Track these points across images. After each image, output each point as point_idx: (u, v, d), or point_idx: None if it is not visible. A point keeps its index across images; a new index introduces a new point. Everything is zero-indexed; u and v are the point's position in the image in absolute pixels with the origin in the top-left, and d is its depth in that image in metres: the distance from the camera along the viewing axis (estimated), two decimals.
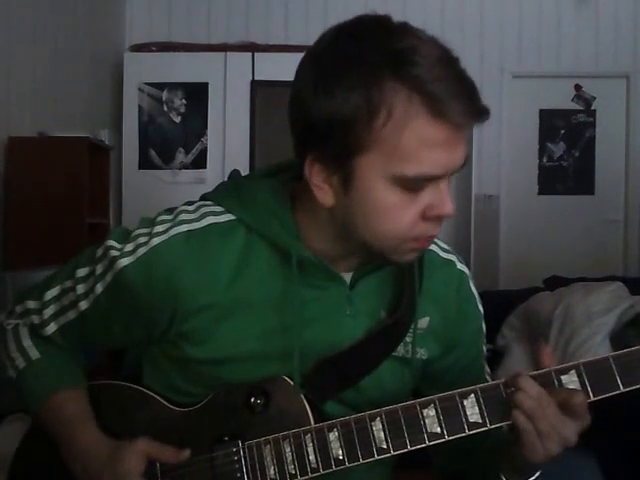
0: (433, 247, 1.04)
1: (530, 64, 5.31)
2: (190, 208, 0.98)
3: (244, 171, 1.07)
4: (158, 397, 1.01)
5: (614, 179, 5.35)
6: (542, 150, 5.42)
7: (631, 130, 5.31)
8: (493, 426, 0.89)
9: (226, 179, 1.06)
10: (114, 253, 0.95)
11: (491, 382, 0.91)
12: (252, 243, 0.95)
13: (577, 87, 5.35)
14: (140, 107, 4.87)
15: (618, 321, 2.71)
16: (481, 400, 0.89)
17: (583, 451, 1.17)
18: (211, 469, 0.96)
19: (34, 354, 1.04)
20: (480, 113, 0.83)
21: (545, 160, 5.42)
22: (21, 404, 1.06)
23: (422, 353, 1.02)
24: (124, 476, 0.94)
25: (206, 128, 4.87)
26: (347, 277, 0.98)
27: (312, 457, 0.92)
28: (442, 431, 0.90)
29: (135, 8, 5.23)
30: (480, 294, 1.10)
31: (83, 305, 0.99)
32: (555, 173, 5.41)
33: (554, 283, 3.32)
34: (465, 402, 0.89)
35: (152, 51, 4.99)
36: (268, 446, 0.94)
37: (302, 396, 0.95)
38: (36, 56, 3.74)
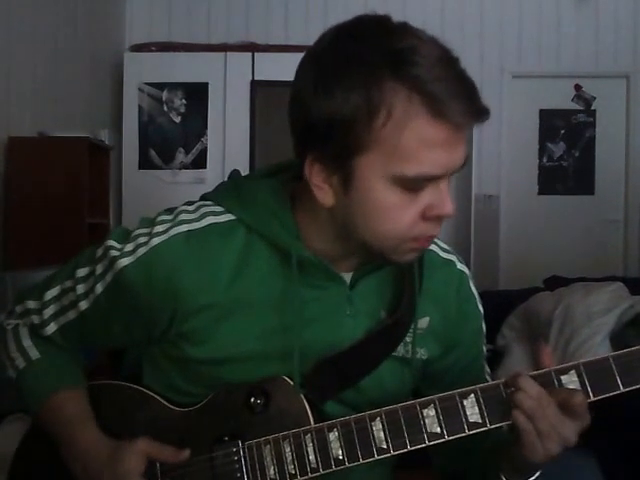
0: (433, 247, 1.04)
1: (530, 64, 5.31)
2: (190, 208, 0.98)
3: (244, 171, 1.07)
4: (158, 397, 1.01)
5: (614, 179, 5.35)
6: (542, 150, 5.42)
7: (631, 130, 5.31)
8: (493, 426, 0.89)
9: (226, 179, 1.06)
10: (114, 253, 0.95)
11: (491, 382, 0.91)
12: (252, 243, 0.95)
13: (577, 87, 5.35)
14: (140, 107, 4.87)
15: (618, 321, 2.71)
16: (481, 400, 0.89)
17: (583, 451, 1.17)
18: (211, 469, 0.96)
19: (34, 354, 1.04)
20: (480, 113, 0.83)
21: (545, 160, 5.42)
22: (21, 404, 1.06)
23: (422, 353, 1.02)
24: (124, 476, 0.94)
25: (206, 128, 4.88)
26: (347, 277, 0.98)
27: (312, 457, 0.92)
28: (442, 431, 0.90)
29: (135, 8, 5.23)
30: (480, 294, 1.10)
31: (83, 305, 0.99)
32: (555, 173, 5.41)
33: (554, 283, 3.32)
34: (465, 402, 0.89)
35: (152, 51, 4.99)
36: (268, 446, 0.94)
37: (302, 396, 0.95)
38: (36, 56, 3.74)
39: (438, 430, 0.90)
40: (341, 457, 0.91)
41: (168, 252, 0.93)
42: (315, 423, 0.94)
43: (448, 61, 0.83)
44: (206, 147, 4.88)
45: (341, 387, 0.98)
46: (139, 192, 4.70)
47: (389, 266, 0.99)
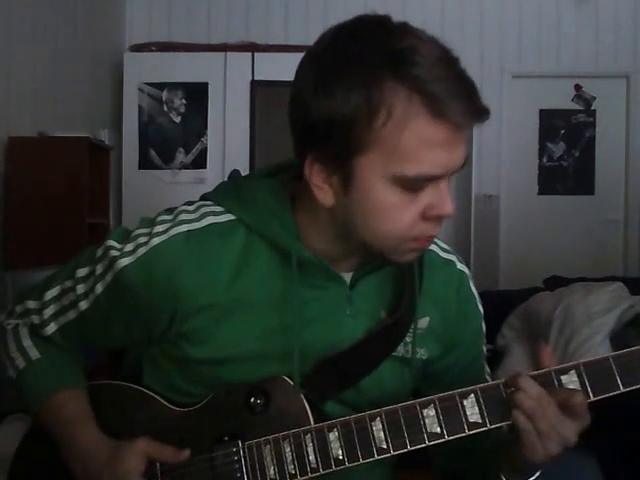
0: (433, 247, 1.04)
1: (530, 64, 5.31)
2: (190, 208, 0.98)
3: (244, 171, 1.07)
4: (158, 397, 1.01)
5: (614, 179, 5.35)
6: (542, 150, 5.42)
7: (631, 130, 5.31)
8: (493, 426, 0.89)
9: (226, 179, 1.06)
10: (114, 253, 0.95)
11: (491, 382, 0.91)
12: (252, 243, 0.95)
13: (577, 87, 5.35)
14: (140, 107, 4.87)
15: (618, 321, 2.71)
16: (481, 400, 0.89)
17: (583, 451, 1.17)
18: (211, 469, 0.96)
19: (34, 354, 1.04)
20: (480, 113, 0.83)
21: (545, 160, 5.42)
22: (21, 404, 1.06)
23: (422, 353, 1.02)
24: (124, 476, 0.94)
25: (206, 128, 4.88)
26: (347, 277, 0.98)
27: (312, 457, 0.92)
28: (442, 431, 0.90)
29: (135, 8, 5.23)
30: (480, 294, 1.10)
31: (83, 305, 0.99)
32: (555, 173, 5.41)
33: (554, 283, 3.32)
34: (465, 402, 0.89)
35: (152, 51, 4.99)
36: (268, 446, 0.94)
37: (302, 396, 0.95)
38: (36, 56, 3.74)
39: (438, 430, 0.90)
40: (341, 457, 0.91)
41: (168, 252, 0.93)
42: (315, 423, 0.94)
43: (448, 61, 0.83)
44: (206, 147, 4.88)
45: (341, 387, 0.98)
46: (139, 192, 4.70)
47: (389, 266, 0.99)
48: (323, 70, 0.84)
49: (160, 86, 4.87)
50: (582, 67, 5.28)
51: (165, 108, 4.88)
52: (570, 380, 0.88)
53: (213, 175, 4.74)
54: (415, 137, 0.81)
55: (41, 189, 3.42)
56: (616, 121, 5.32)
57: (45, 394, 1.02)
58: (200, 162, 4.88)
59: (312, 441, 0.93)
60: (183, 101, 4.88)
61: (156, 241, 0.93)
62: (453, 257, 1.07)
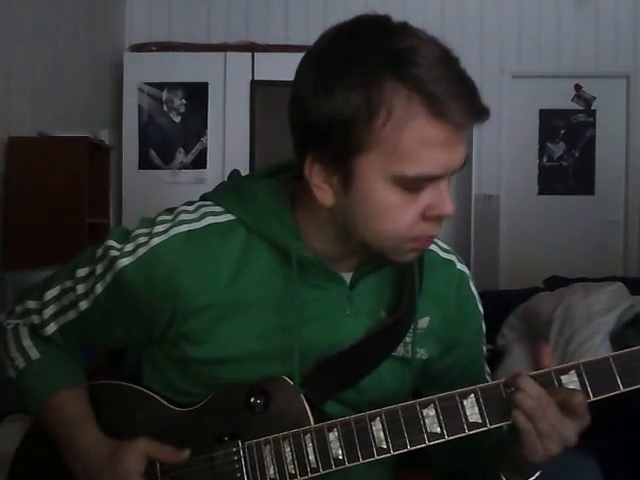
0: (433, 247, 1.04)
1: (530, 64, 5.31)
2: (190, 208, 0.98)
3: (244, 171, 1.07)
4: (158, 397, 1.01)
5: (614, 179, 5.35)
6: (542, 150, 5.42)
7: (631, 130, 5.31)
8: (493, 426, 0.89)
9: (226, 179, 1.06)
10: (114, 253, 0.95)
11: (491, 382, 0.91)
12: (252, 243, 0.95)
13: (577, 87, 5.35)
14: (140, 107, 4.87)
15: (618, 321, 2.71)
16: (481, 400, 0.89)
17: (583, 451, 1.17)
18: (211, 469, 0.96)
19: (34, 354, 1.04)
20: (480, 113, 0.83)
21: (545, 160, 5.42)
22: (21, 404, 1.06)
23: (422, 353, 1.02)
24: (124, 476, 0.94)
25: (206, 128, 4.88)
26: (347, 277, 0.98)
27: (312, 457, 0.92)
28: (442, 431, 0.89)
29: (135, 8, 5.23)
30: (480, 294, 1.10)
31: (83, 305, 0.99)
32: (555, 173, 5.41)
33: (554, 283, 3.32)
34: (465, 402, 0.89)
35: (152, 51, 4.99)
36: (268, 446, 0.94)
37: (302, 396, 0.95)
38: (36, 56, 3.74)
39: (438, 430, 0.90)
40: (341, 457, 0.91)
41: (168, 252, 0.93)
42: (315, 423, 0.94)
43: (448, 61, 0.83)
44: (206, 147, 4.88)
45: (341, 387, 0.98)
46: (139, 192, 4.70)
47: (389, 266, 0.99)
48: (323, 70, 0.84)
49: (160, 86, 4.87)
50: (582, 67, 5.28)
51: (165, 108, 4.88)
52: (570, 380, 0.88)
53: (213, 175, 4.74)
54: (415, 137, 0.81)
55: (41, 189, 3.42)
56: (616, 121, 5.33)
57: (45, 394, 1.02)
58: (200, 162, 4.88)
59: (312, 441, 0.92)
60: (183, 101, 4.88)
61: (156, 241, 0.93)
62: (453, 257, 1.07)
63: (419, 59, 0.81)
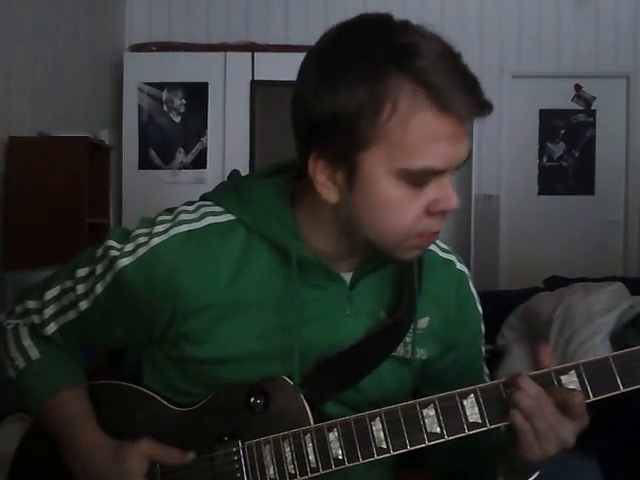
0: (433, 247, 1.04)
1: (530, 64, 5.31)
2: (190, 208, 0.98)
3: (244, 171, 1.07)
4: (158, 397, 1.01)
5: (614, 179, 5.35)
6: (542, 150, 5.42)
7: (631, 130, 5.31)
8: (493, 426, 0.89)
9: (226, 179, 1.06)
10: (114, 253, 0.95)
11: (491, 382, 0.91)
12: (252, 243, 0.95)
13: (577, 87, 5.35)
14: (140, 107, 4.87)
15: (618, 321, 2.71)
16: (481, 400, 0.89)
17: (583, 451, 1.17)
18: (211, 469, 0.96)
19: (34, 354, 1.04)
20: (484, 106, 0.83)
21: (545, 160, 5.42)
22: (21, 404, 1.06)
23: (422, 353, 1.02)
24: (126, 476, 0.94)
25: (206, 128, 4.87)
26: (347, 277, 0.98)
27: (312, 457, 0.92)
28: (442, 431, 0.89)
29: (135, 8, 5.23)
30: (480, 294, 1.10)
31: (83, 305, 0.99)
32: (555, 173, 5.41)
33: (554, 283, 3.32)
34: (465, 402, 0.89)
35: (152, 51, 4.99)
36: (268, 446, 0.94)
37: (302, 396, 0.95)
38: (36, 56, 3.75)
39: (438, 430, 0.90)
40: (341, 457, 0.91)
41: (168, 252, 0.93)
42: (315, 423, 0.94)
43: (451, 56, 0.83)
44: (206, 147, 4.88)
45: (341, 387, 0.98)
46: (139, 192, 4.70)
47: (389, 266, 0.99)
48: (326, 67, 0.85)
49: (160, 86, 4.87)
50: (582, 67, 5.28)
51: (165, 108, 4.88)
52: (570, 380, 0.88)
53: (213, 175, 4.74)
54: (420, 131, 0.81)
55: (41, 189, 3.42)
56: (616, 121, 5.33)
57: (45, 394, 1.02)
58: (200, 162, 4.88)
59: (312, 441, 0.93)
60: (183, 101, 4.88)
61: (156, 241, 0.93)
62: (452, 257, 1.07)
63: (423, 54, 0.81)
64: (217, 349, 0.94)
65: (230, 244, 0.94)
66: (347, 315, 0.97)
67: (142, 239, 0.94)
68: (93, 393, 1.05)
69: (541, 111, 5.38)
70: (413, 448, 0.90)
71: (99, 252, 0.98)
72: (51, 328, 1.03)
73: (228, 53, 4.86)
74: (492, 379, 0.97)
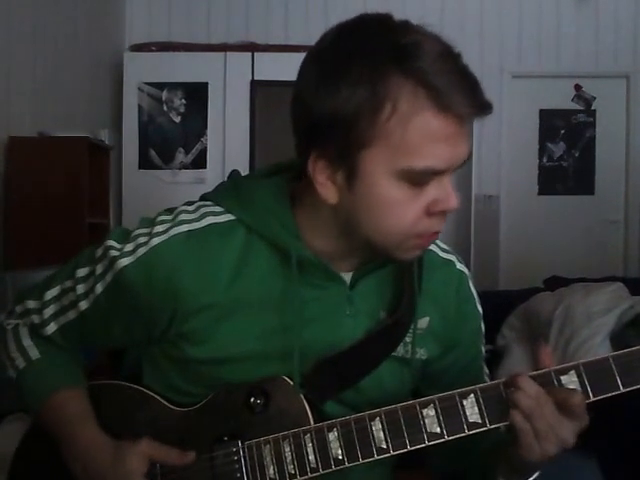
0: (433, 247, 1.04)
1: (530, 64, 5.31)
2: (190, 208, 0.98)
3: (244, 171, 1.07)
4: (158, 397, 1.01)
5: (614, 179, 5.35)
6: (542, 150, 5.42)
7: (631, 130, 5.31)
8: (493, 426, 0.89)
9: (226, 179, 1.06)
10: (114, 253, 0.95)
11: (491, 382, 0.91)
12: (252, 243, 0.95)
13: (577, 87, 5.35)
14: (140, 107, 4.87)
15: (618, 321, 2.71)
16: (481, 400, 0.89)
17: (583, 451, 1.17)
18: (211, 469, 0.96)
19: (34, 354, 1.04)
20: (484, 106, 0.83)
21: (545, 160, 5.42)
22: (21, 404, 1.06)
23: (422, 353, 1.02)
24: (126, 476, 0.94)
25: (206, 128, 4.88)
26: (347, 277, 0.98)
27: (312, 457, 0.92)
28: (442, 431, 0.89)
29: (135, 8, 5.23)
30: (480, 294, 1.10)
31: (83, 305, 0.99)
32: (555, 173, 5.41)
33: (554, 283, 3.32)
34: (465, 402, 0.89)
35: (152, 51, 4.99)
36: (268, 446, 0.94)
37: (302, 396, 0.95)
38: (36, 56, 3.75)
39: (438, 430, 0.90)
40: (341, 457, 0.91)
41: (168, 252, 0.93)
42: (315, 423, 0.94)
43: (451, 56, 0.83)
44: (206, 147, 4.88)
45: (341, 387, 0.98)
46: (139, 192, 4.70)
47: (389, 266, 0.99)
48: (326, 67, 0.84)
49: (160, 86, 4.87)
50: (582, 67, 5.28)
51: (165, 108, 4.88)
52: (570, 380, 0.88)
53: (213, 175, 4.74)
54: (420, 131, 0.81)
55: (41, 189, 3.42)
56: (616, 121, 5.33)
57: (45, 394, 1.02)
58: (200, 162, 4.88)
59: (312, 441, 0.92)
60: (183, 101, 4.88)
61: (156, 241, 0.93)
62: (452, 257, 1.07)
63: (423, 54, 0.81)
64: (217, 349, 0.94)
65: (230, 244, 0.94)
66: (347, 315, 0.97)
67: (142, 239, 0.94)
68: (93, 393, 1.05)
69: (541, 111, 5.38)
70: (413, 448, 0.90)
71: (99, 252, 0.98)
72: (51, 328, 1.03)
73: (228, 53, 4.87)
74: (492, 379, 0.97)
